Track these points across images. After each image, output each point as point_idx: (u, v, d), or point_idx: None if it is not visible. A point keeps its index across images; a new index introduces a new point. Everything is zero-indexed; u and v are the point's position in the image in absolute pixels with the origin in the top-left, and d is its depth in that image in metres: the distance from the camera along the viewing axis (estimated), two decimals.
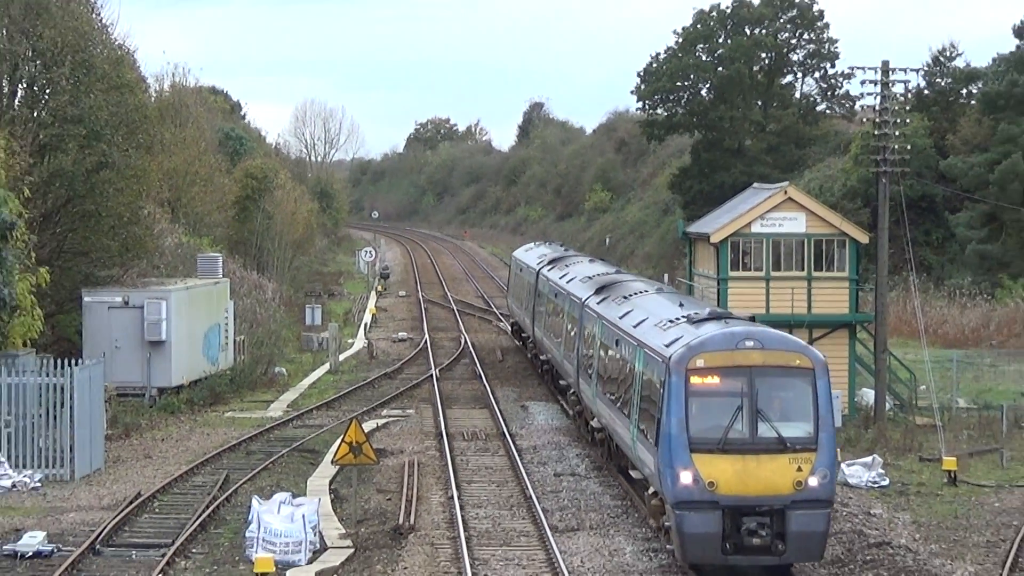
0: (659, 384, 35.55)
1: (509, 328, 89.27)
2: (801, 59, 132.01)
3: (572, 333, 60.06)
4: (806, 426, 34.45)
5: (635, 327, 43.27)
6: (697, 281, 79.17)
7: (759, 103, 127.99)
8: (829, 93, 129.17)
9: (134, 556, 40.42)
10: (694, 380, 34.19)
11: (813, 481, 34.71)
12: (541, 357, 67.95)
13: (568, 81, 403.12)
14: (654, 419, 36.00)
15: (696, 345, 34.69)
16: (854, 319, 73.91)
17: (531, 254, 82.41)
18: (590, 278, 60.04)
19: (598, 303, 54.00)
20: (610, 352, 48.40)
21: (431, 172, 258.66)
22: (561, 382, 61.38)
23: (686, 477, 34.60)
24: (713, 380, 34.48)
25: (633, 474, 41.25)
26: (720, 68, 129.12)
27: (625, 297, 51.20)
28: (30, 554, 39.98)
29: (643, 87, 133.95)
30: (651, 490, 38.72)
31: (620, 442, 44.91)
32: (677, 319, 40.17)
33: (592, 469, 54.24)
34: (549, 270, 66.81)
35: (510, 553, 41.20)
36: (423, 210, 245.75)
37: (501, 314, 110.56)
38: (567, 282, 62.86)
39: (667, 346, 36.37)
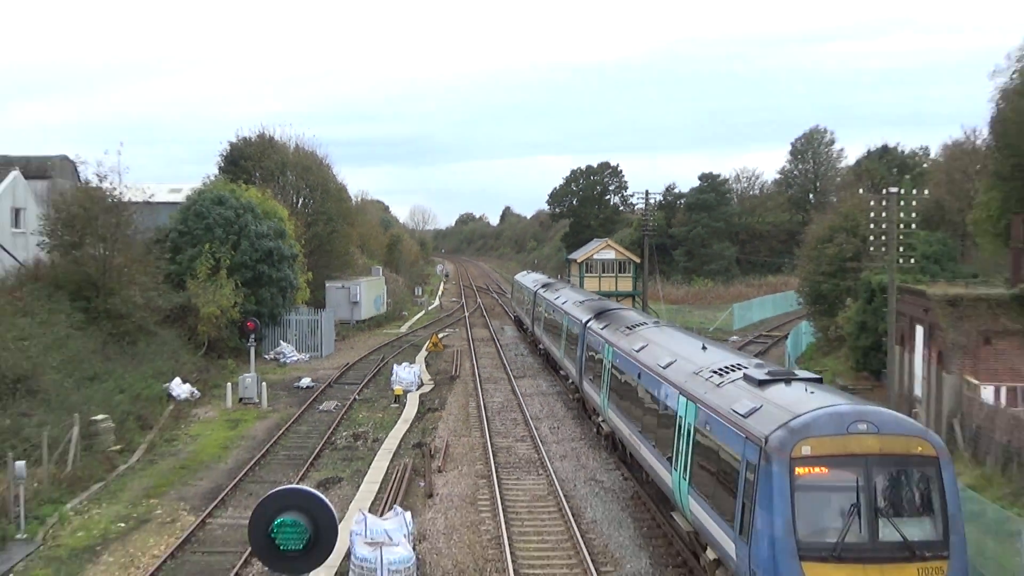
0: (744, 466, 14.83)
1: (512, 318, 69.63)
2: (613, 187, 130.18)
3: (572, 339, 35.42)
4: (934, 527, 14.13)
5: (665, 368, 21.03)
6: (571, 279, 79.54)
7: (597, 207, 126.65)
8: (624, 202, 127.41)
9: (346, 387, 40.15)
10: (800, 471, 14.10)
11: None
12: (539, 346, 48.60)
13: (522, 195, 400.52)
14: (733, 501, 15.26)
15: (800, 428, 14.18)
16: (634, 293, 74.34)
17: (527, 279, 61.44)
18: (581, 302, 37.47)
19: (602, 328, 29.78)
20: (626, 380, 24.63)
21: (466, 234, 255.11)
22: (561, 372, 39.74)
23: None
24: (821, 472, 14.29)
25: (708, 555, 16.95)
26: (581, 192, 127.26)
27: (629, 328, 27.75)
28: (304, 387, 39.60)
29: (550, 199, 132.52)
30: None
31: (656, 479, 21.14)
32: (726, 370, 18.33)
33: (530, 353, 51.46)
34: (544, 291, 47.71)
35: (496, 386, 40.50)
36: (462, 250, 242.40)
37: (492, 292, 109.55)
38: (562, 303, 40.64)
39: (745, 416, 15.32)
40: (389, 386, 38.66)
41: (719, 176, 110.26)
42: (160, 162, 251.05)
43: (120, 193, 38.85)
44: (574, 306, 37.55)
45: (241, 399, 35.56)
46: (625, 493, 23.98)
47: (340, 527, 8.30)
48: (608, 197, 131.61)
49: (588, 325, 31.79)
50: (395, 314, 74.42)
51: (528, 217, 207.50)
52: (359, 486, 24.31)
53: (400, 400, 35.98)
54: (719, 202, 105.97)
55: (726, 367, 18.33)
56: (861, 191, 45.07)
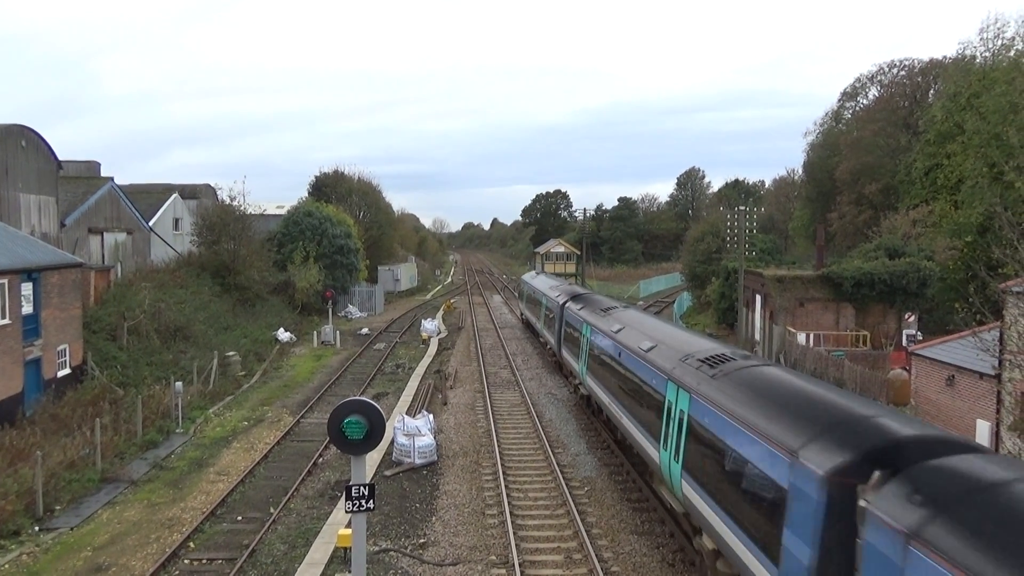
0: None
1: (520, 319, 43.01)
2: (563, 206, 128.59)
3: (706, 441, 9.11)
4: None
5: None
6: (536, 266, 78.69)
7: (553, 218, 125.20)
8: (570, 215, 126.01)
9: (391, 334, 38.55)
10: None
11: None
12: (575, 382, 20.80)
13: (504, 210, 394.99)
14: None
15: None
16: (577, 275, 73.60)
17: (538, 280, 36.12)
18: (668, 344, 12.08)
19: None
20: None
21: (469, 235, 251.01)
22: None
23: None
24: None
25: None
26: (542, 209, 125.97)
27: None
28: (364, 334, 38.26)
29: (523, 213, 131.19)
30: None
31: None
32: None
33: (508, 311, 48.61)
34: (580, 309, 20.35)
35: (487, 333, 38.97)
36: (466, 246, 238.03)
37: (484, 272, 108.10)
38: (629, 338, 14.29)
39: None
40: (419, 333, 38.05)
41: (631, 198, 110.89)
42: (270, 188, 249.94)
43: (244, 208, 38.86)
44: (660, 351, 12.34)
45: (322, 342, 35.00)
46: (570, 401, 23.22)
47: (387, 424, 8.16)
48: (560, 212, 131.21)
49: (697, 389, 9.69)
50: (423, 287, 73.57)
51: (508, 224, 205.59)
52: (399, 397, 23.81)
53: (426, 343, 35.37)
54: (631, 215, 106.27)
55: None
56: (721, 208, 45.31)
